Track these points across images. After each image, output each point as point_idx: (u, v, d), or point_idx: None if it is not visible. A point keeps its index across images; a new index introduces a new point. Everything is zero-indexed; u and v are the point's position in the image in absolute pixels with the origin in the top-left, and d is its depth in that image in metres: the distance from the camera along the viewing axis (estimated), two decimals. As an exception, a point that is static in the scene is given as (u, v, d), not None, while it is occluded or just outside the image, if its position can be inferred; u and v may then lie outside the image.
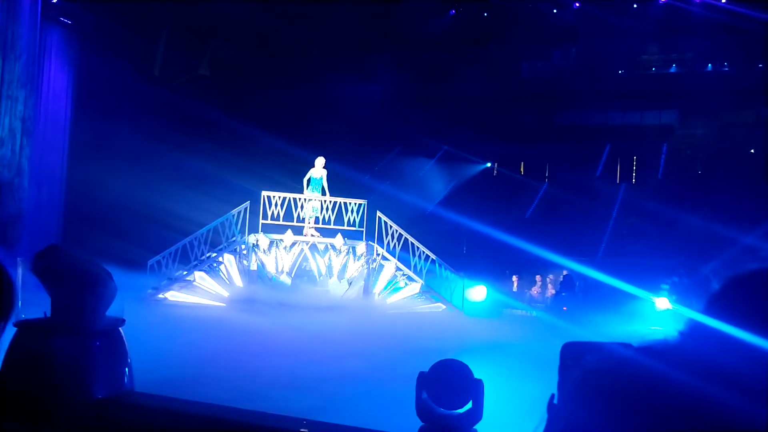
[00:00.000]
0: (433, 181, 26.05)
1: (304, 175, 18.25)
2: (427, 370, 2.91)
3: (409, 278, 18.06)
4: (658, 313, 18.16)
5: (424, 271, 18.30)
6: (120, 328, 5.08)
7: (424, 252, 18.45)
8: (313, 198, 17.71)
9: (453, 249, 24.07)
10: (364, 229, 17.84)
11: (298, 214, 17.68)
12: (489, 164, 28.09)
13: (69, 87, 19.76)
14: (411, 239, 18.36)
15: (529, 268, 22.75)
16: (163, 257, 17.30)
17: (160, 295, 16.75)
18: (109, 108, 19.76)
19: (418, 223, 24.65)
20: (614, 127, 26.68)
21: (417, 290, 17.99)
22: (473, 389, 2.89)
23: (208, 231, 17.45)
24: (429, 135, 25.74)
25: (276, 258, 17.47)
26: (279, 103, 23.64)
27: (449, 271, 18.85)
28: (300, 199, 17.73)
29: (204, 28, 23.39)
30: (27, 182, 17.22)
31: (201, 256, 17.47)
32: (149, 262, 17.20)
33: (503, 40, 24.62)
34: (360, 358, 10.87)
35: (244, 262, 17.52)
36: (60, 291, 4.66)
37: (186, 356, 10.19)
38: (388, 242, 18.16)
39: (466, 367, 2.87)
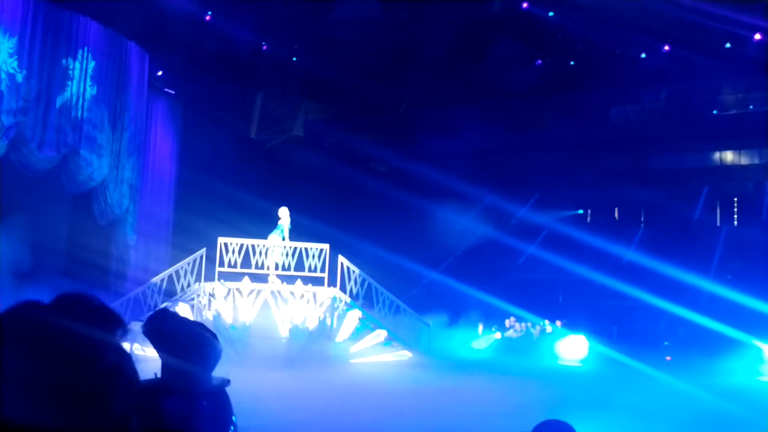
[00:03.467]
0: (523, 230, 25.81)
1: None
2: (528, 430, 2.90)
3: (376, 325, 16.91)
4: (768, 362, 17.26)
5: (389, 318, 17.22)
6: (226, 389, 5.30)
7: (388, 297, 17.40)
8: (277, 245, 16.81)
9: (548, 298, 23.68)
10: (326, 275, 16.72)
11: (257, 261, 16.66)
12: (581, 211, 27.67)
13: (174, 151, 20.82)
14: (375, 284, 17.29)
15: (630, 315, 22.11)
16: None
17: None
18: (211, 169, 20.58)
19: (509, 273, 24.45)
20: (711, 168, 25.88)
21: (382, 338, 16.74)
22: (574, 450, 2.86)
23: (162, 280, 16.54)
24: (519, 184, 25.65)
25: (234, 307, 16.37)
26: (370, 158, 24.17)
27: (414, 317, 17.77)
28: (258, 245, 16.77)
29: (296, 90, 24.29)
30: (134, 243, 18.20)
31: (154, 307, 16.09)
32: None
33: (590, 86, 24.45)
34: (438, 416, 10.62)
35: (201, 312, 16.33)
36: (169, 353, 4.92)
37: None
38: (351, 288, 17.00)
39: (570, 427, 2.82)
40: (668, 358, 18.88)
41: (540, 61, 24.03)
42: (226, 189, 19.88)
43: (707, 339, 18.53)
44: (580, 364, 18.60)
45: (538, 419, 2.90)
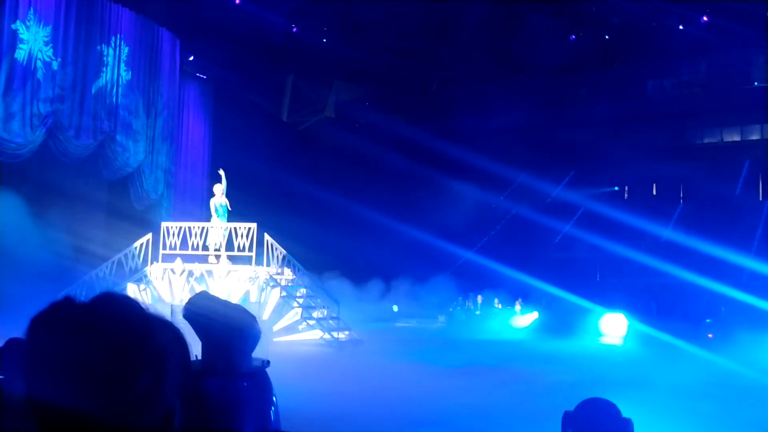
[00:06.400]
0: (560, 208, 25.51)
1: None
2: (571, 409, 2.84)
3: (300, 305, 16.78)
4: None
5: (303, 296, 17.04)
6: (266, 369, 5.29)
7: (307, 275, 17.18)
8: (217, 226, 16.66)
9: (586, 277, 23.42)
10: (253, 254, 16.41)
11: (194, 242, 16.60)
12: (617, 188, 27.25)
13: (206, 136, 20.93)
14: (295, 261, 17.05)
15: (670, 292, 21.79)
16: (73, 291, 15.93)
17: None
18: (244, 152, 20.60)
19: (545, 252, 24.23)
20: (752, 141, 25.25)
21: (298, 316, 16.55)
22: (622, 429, 2.79)
23: (113, 263, 16.52)
24: (554, 161, 25.33)
25: (170, 286, 16.42)
26: (403, 138, 24.02)
27: (330, 298, 17.41)
28: (194, 227, 16.79)
29: (326, 71, 24.20)
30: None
31: (106, 289, 16.01)
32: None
33: (627, 60, 23.97)
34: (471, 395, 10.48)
35: (143, 291, 16.52)
36: (209, 335, 4.92)
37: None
38: (273, 265, 16.84)
39: (614, 405, 2.77)
40: (710, 335, 18.58)
41: (574, 36, 23.59)
42: (260, 172, 19.97)
43: (750, 316, 18.21)
44: (621, 342, 18.46)
45: (580, 398, 2.83)
